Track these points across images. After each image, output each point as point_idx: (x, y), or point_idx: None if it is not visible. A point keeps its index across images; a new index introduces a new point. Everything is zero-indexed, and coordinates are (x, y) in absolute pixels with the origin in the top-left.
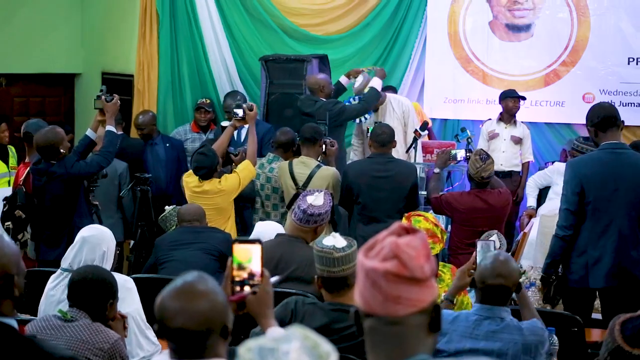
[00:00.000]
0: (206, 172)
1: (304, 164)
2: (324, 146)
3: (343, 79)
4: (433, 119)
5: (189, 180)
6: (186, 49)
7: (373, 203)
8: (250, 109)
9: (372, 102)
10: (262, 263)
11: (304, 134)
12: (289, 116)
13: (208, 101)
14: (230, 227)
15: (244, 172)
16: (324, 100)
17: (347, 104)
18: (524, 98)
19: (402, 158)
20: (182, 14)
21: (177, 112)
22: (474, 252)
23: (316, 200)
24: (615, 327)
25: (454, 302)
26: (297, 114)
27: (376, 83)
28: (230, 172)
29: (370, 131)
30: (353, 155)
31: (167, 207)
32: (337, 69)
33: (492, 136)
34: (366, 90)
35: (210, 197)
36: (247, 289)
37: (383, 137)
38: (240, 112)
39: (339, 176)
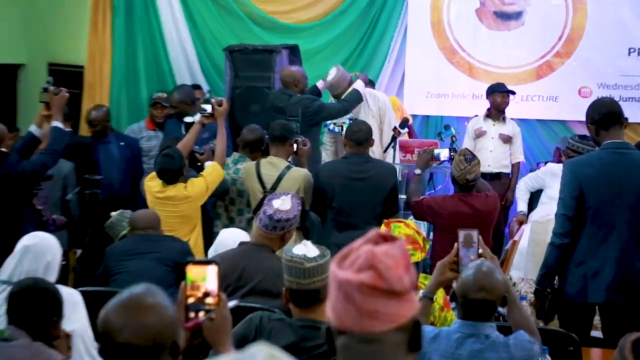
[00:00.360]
0: (171, 175)
1: (272, 165)
2: (295, 145)
3: (320, 84)
4: (414, 116)
5: (152, 184)
6: (143, 38)
7: (348, 207)
8: (220, 104)
9: (353, 103)
10: (219, 285)
11: (273, 131)
12: (256, 112)
13: (165, 95)
14: (196, 238)
15: (212, 175)
16: (299, 95)
17: (326, 102)
18: (513, 92)
19: (378, 157)
20: (139, 0)
21: (131, 107)
22: (455, 244)
23: (283, 204)
24: (626, 347)
25: (434, 299)
26: (264, 109)
27: (359, 85)
28: (197, 176)
29: (344, 129)
30: (325, 155)
31: (113, 213)
32: (309, 60)
33: (479, 134)
34: (340, 91)
35: (175, 204)
36: (202, 314)
37: (359, 135)
38: (208, 107)
39: (311, 178)
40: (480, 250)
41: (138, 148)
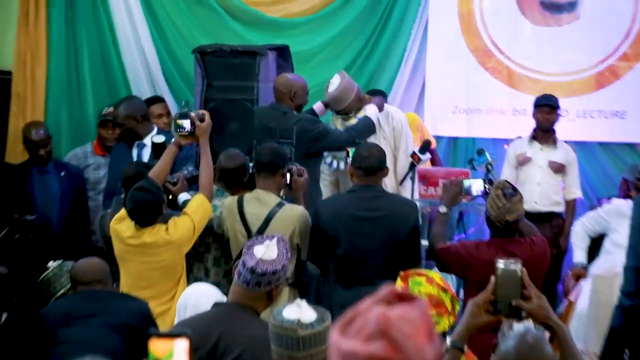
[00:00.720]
0: (148, 215)
1: (259, 202)
2: (288, 176)
3: (319, 107)
4: (438, 137)
5: (121, 228)
6: (88, 36)
7: (356, 256)
8: (202, 120)
9: (364, 134)
10: None
11: (260, 158)
12: (235, 132)
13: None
14: (180, 294)
15: (198, 212)
16: (297, 113)
17: (331, 127)
18: (558, 107)
19: (392, 190)
20: None
21: (74, 126)
22: (492, 278)
23: (268, 252)
24: None
25: (464, 350)
26: (246, 129)
27: (372, 112)
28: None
29: (350, 154)
30: (322, 187)
31: (51, 264)
32: (303, 65)
33: (523, 161)
34: (349, 117)
35: (154, 252)
36: None
37: (370, 162)
38: (186, 124)
39: (309, 219)
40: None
41: (83, 179)
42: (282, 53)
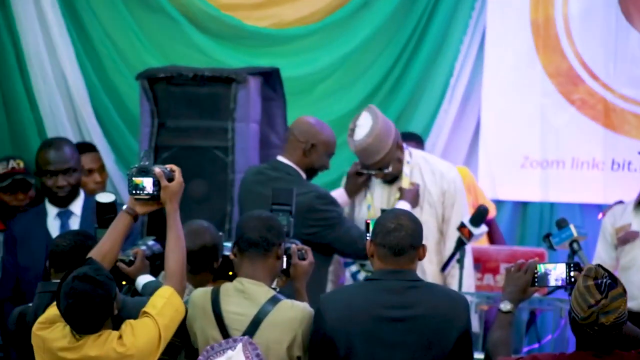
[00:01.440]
0: (92, 318)
1: (244, 296)
2: (284, 258)
3: (340, 196)
4: (498, 203)
5: (50, 336)
6: None
7: None
8: (170, 178)
9: None
10: None
11: (245, 232)
12: (200, 195)
13: (21, 164)
14: None
15: (166, 314)
16: (305, 178)
17: (346, 219)
18: None
19: (434, 281)
20: None
21: None
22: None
23: None
24: None
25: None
26: (215, 189)
27: (403, 207)
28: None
29: (370, 225)
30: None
31: None
32: (300, 97)
33: (626, 238)
34: (386, 173)
35: None
36: None
37: (399, 238)
38: (148, 184)
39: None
40: None
41: None
42: (270, 79)
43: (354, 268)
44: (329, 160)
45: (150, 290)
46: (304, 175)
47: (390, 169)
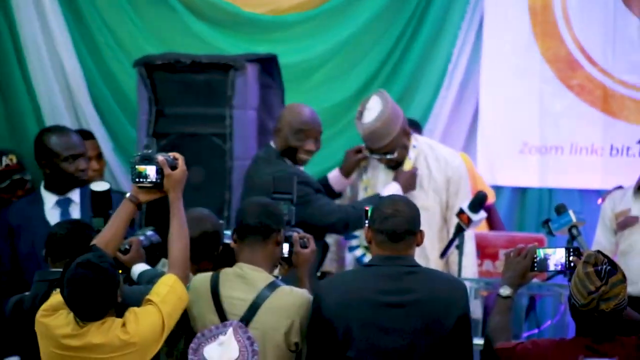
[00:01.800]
0: (96, 305)
1: (243, 281)
2: (286, 246)
3: (335, 177)
4: (497, 188)
5: (54, 323)
6: None
7: None
8: (174, 167)
9: (362, 219)
10: None
11: (245, 217)
12: (198, 182)
13: (14, 160)
14: None
15: (169, 301)
16: (276, 160)
17: (320, 196)
18: None
19: (437, 268)
20: None
21: None
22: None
23: (226, 351)
24: None
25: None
26: (214, 176)
27: (392, 190)
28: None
29: (369, 212)
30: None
31: None
32: (298, 84)
33: (625, 223)
34: (393, 158)
35: (104, 358)
36: None
37: (396, 223)
38: (151, 172)
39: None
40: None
41: None
42: (268, 66)
43: (358, 252)
44: (308, 143)
45: (146, 279)
46: (288, 161)
47: (395, 154)
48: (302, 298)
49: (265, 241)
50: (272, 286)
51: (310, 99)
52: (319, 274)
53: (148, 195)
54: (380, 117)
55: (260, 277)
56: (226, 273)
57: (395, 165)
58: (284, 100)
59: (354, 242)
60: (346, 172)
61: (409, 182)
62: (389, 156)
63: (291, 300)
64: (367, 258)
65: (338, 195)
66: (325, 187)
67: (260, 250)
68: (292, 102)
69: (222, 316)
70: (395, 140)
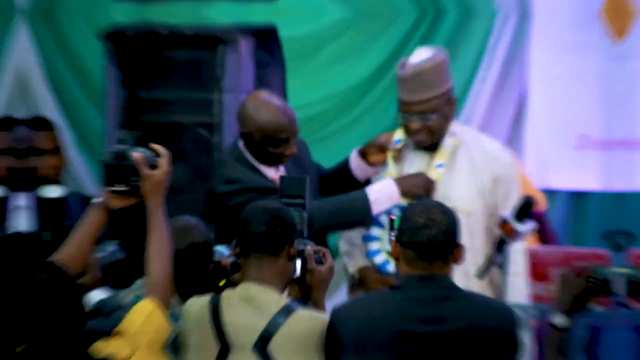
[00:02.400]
0: None
1: (250, 305)
2: (298, 262)
3: (356, 161)
4: (549, 192)
5: None
6: None
7: None
8: (153, 165)
9: (335, 219)
10: None
11: (250, 225)
12: (178, 188)
13: None
14: None
15: (146, 332)
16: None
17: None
18: None
19: (481, 289)
20: None
21: None
22: None
23: None
24: None
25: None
26: (201, 175)
27: (381, 188)
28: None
29: (395, 222)
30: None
31: None
32: (303, 62)
33: None
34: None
35: None
36: None
37: (430, 236)
38: (126, 172)
39: None
40: None
41: None
42: (266, 40)
43: (379, 259)
44: (267, 145)
45: (108, 309)
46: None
47: (432, 119)
48: (323, 324)
49: (277, 255)
50: (286, 310)
51: (317, 80)
52: None
53: (122, 201)
54: (432, 59)
55: (271, 299)
56: (228, 296)
57: (429, 147)
58: (285, 82)
59: (374, 246)
60: (363, 153)
61: (414, 188)
62: (428, 117)
63: (311, 325)
64: (391, 266)
65: (361, 184)
66: (344, 167)
67: (270, 267)
68: (296, 84)
69: (226, 347)
70: (438, 98)
